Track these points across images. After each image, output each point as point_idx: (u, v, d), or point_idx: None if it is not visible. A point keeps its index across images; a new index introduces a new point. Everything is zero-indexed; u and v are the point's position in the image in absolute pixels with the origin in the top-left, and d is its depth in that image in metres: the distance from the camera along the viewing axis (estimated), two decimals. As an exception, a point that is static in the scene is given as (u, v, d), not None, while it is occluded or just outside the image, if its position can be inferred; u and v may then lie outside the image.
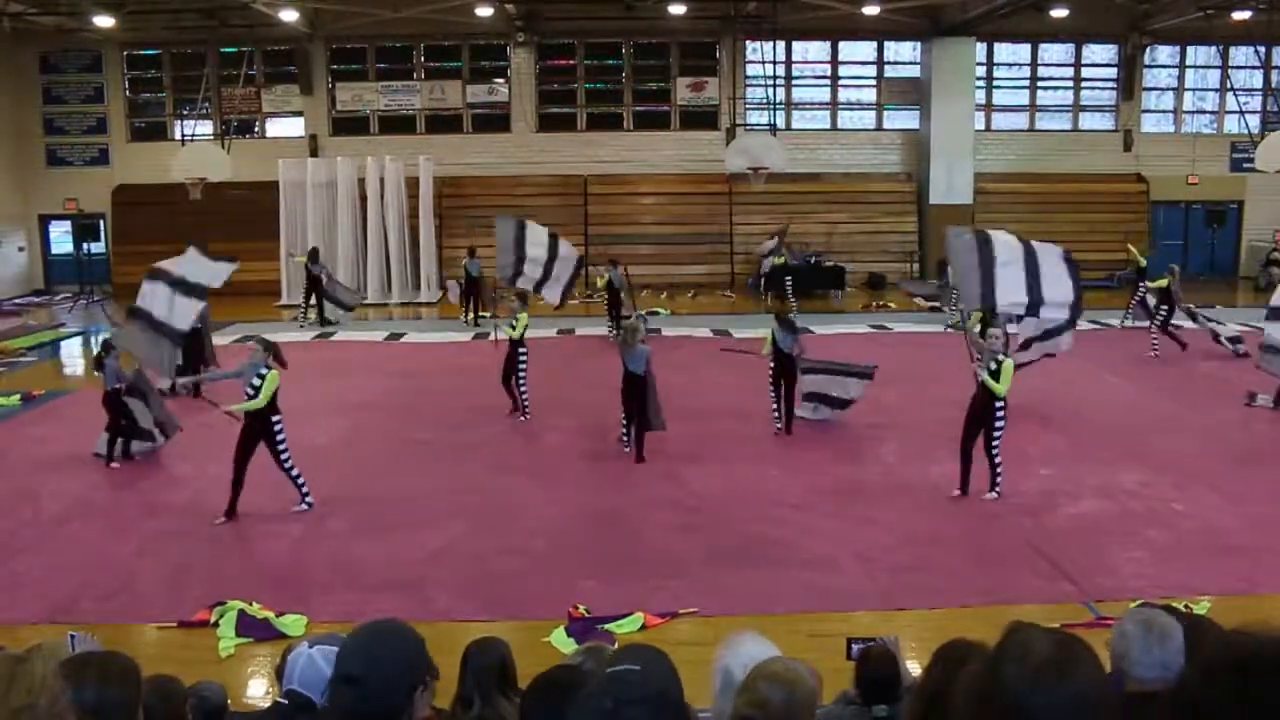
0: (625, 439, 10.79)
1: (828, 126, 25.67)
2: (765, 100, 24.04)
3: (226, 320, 19.02)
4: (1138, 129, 25.54)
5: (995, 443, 9.00)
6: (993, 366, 8.83)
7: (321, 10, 22.90)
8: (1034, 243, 9.80)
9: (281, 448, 8.93)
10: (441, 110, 25.24)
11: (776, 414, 11.42)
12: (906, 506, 9.11)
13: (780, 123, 24.09)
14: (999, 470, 9.12)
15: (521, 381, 12.14)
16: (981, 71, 25.07)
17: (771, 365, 11.28)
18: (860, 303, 21.81)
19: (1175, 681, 2.24)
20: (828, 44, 25.31)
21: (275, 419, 8.85)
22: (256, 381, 8.79)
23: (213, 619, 6.87)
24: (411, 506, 9.26)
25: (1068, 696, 1.65)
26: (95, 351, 11.75)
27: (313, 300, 19.07)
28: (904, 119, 25.55)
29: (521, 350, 12.05)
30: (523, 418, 12.09)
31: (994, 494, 9.12)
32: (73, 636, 3.04)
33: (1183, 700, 1.75)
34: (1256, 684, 1.60)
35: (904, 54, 25.42)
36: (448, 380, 14.34)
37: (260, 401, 8.70)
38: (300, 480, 9.05)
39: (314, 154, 24.02)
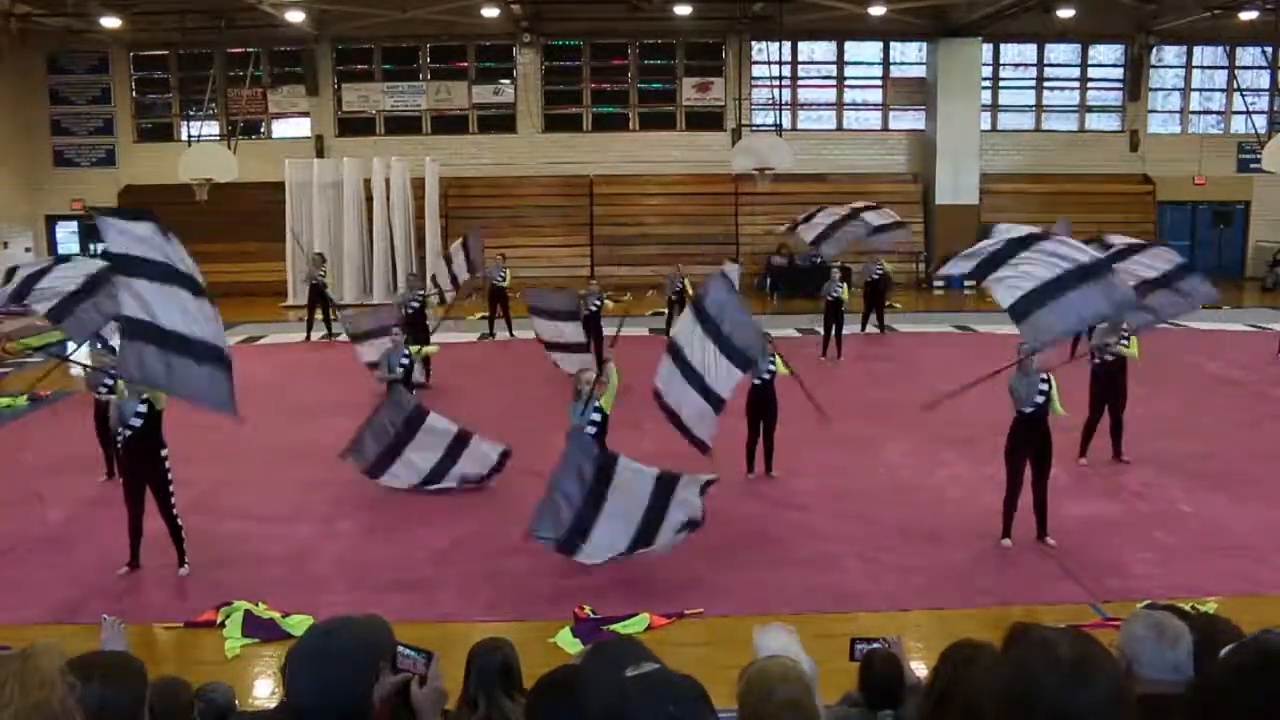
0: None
1: (833, 127, 25.63)
2: (771, 101, 24.07)
3: (233, 322, 19.06)
4: (1144, 129, 25.48)
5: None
6: (1043, 387, 8.09)
7: (328, 11, 22.91)
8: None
9: (170, 490, 7.60)
10: (447, 111, 25.27)
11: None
12: (910, 507, 9.09)
13: (786, 123, 24.09)
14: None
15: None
16: (987, 72, 25.05)
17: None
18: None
19: (1195, 681, 2.23)
20: (833, 44, 25.28)
21: (163, 453, 7.55)
22: (142, 408, 7.45)
23: (219, 619, 6.89)
24: (418, 506, 9.27)
25: (1103, 694, 1.66)
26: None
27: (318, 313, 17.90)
28: (910, 119, 25.51)
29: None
30: None
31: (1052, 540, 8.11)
32: (105, 619, 3.26)
33: (1207, 700, 1.75)
34: None
35: (910, 54, 25.39)
36: (454, 380, 14.34)
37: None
38: (183, 537, 7.74)
39: (320, 155, 24.06)
